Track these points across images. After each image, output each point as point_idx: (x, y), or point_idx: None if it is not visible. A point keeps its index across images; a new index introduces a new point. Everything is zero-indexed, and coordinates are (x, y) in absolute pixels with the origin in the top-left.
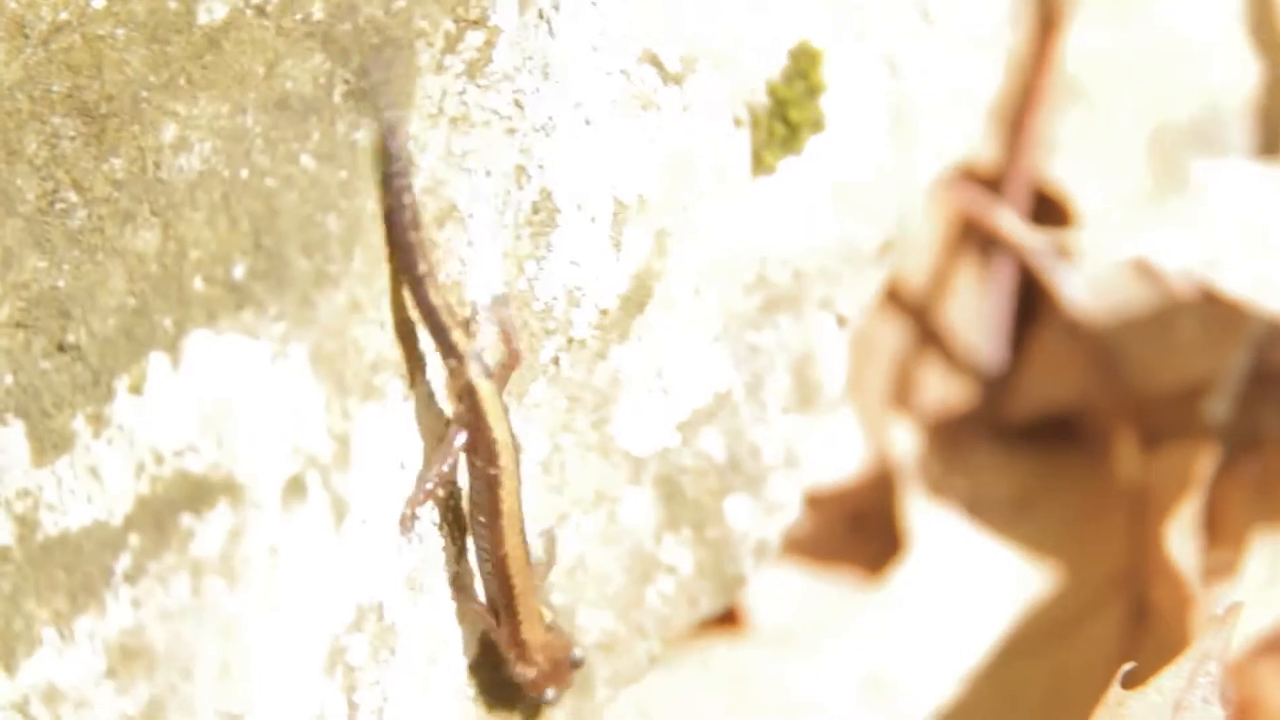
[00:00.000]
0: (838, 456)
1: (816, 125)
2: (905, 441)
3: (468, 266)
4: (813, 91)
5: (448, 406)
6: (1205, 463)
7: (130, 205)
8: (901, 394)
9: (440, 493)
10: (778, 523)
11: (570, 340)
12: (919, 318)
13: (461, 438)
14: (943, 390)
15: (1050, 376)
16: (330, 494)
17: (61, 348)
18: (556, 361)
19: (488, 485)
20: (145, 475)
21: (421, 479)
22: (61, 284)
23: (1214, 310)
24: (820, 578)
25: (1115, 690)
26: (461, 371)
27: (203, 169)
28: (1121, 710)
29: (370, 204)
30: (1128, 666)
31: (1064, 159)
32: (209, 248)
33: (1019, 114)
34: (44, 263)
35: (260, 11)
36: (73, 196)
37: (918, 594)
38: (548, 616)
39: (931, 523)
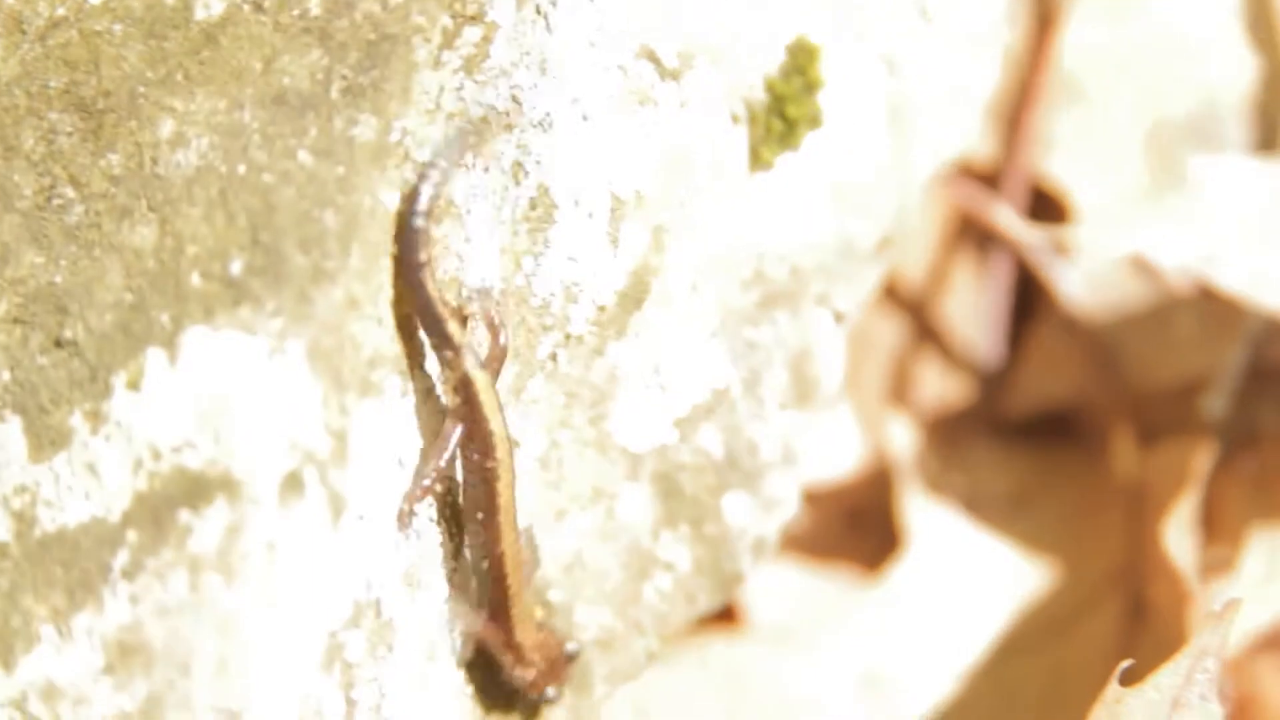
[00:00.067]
0: (835, 453)
1: (814, 121)
2: (903, 438)
3: (465, 262)
4: (810, 88)
5: (446, 402)
6: (1203, 459)
7: (127, 201)
8: (899, 390)
9: (438, 488)
10: (775, 519)
11: (568, 336)
12: (917, 314)
13: (458, 432)
14: (940, 386)
15: (1048, 373)
16: (328, 490)
17: (59, 343)
18: (554, 358)
19: (484, 480)
20: (143, 471)
21: (419, 474)
22: (59, 280)
23: (1211, 306)
24: (818, 574)
25: (1113, 687)
26: (458, 363)
27: (200, 165)
28: (1119, 707)
29: (368, 200)
30: (1125, 663)
31: (1061, 155)
32: (206, 243)
33: (1017, 111)
34: (41, 258)
35: (257, 7)
36: (70, 192)
37: (915, 591)
38: (538, 615)
39: (929, 519)
